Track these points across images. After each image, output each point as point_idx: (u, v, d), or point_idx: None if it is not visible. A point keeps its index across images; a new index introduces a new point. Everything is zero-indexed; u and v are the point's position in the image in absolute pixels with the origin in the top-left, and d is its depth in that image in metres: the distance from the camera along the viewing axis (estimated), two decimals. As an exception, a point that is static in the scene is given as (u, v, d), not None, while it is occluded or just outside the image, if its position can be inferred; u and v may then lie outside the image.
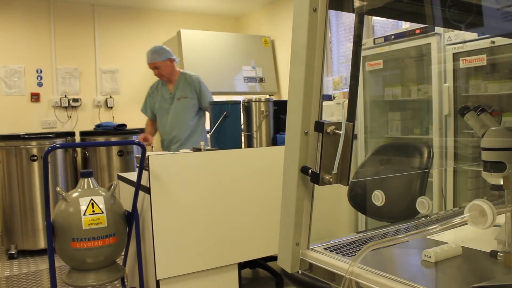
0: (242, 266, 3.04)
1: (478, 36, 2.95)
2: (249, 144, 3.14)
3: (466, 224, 0.94)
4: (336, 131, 0.94)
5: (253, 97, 3.21)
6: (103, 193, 2.66)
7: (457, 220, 0.81)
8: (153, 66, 3.83)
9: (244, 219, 2.84)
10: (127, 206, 2.78)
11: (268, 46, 5.92)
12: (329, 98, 4.47)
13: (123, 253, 2.86)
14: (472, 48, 3.01)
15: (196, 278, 2.72)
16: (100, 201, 2.59)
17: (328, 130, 0.95)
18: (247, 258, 2.92)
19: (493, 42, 2.86)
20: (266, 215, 2.89)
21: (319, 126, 0.96)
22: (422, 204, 1.25)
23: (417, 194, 2.13)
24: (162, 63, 3.84)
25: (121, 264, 2.88)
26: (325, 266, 1.03)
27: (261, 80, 5.74)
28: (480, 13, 1.38)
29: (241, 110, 3.10)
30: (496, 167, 1.24)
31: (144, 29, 6.00)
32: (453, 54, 3.14)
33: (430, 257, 1.04)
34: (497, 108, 3.07)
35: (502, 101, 3.12)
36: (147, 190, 2.61)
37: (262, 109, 3.06)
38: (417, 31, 3.34)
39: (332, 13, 5.08)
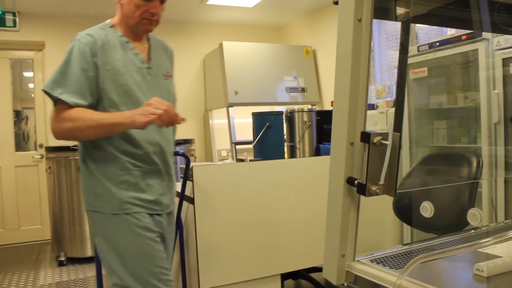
0: (284, 277, 3.03)
1: (530, 40, 2.84)
2: (292, 155, 3.13)
3: (521, 237, 0.90)
4: (383, 141, 0.93)
5: (296, 107, 3.18)
6: (149, 203, 2.71)
7: (512, 233, 0.78)
8: None
9: (287, 230, 2.83)
10: (172, 215, 2.82)
11: (309, 56, 5.91)
12: (372, 107, 4.41)
13: (167, 262, 2.90)
14: (523, 53, 2.91)
15: (239, 288, 2.73)
16: (145, 210, 2.64)
17: (375, 141, 0.94)
18: (290, 269, 2.90)
19: (545, 46, 2.75)
20: (309, 225, 2.87)
21: (366, 136, 0.95)
22: (474, 216, 1.21)
23: (466, 205, 2.07)
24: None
25: (165, 273, 2.92)
26: (371, 278, 1.01)
27: (303, 90, 5.73)
28: (532, 17, 1.34)
29: (284, 120, 3.10)
30: (552, 177, 1.18)
31: (186, 42, 6.12)
32: (503, 59, 3.04)
33: (482, 271, 1.00)
34: (551, 115, 2.94)
35: (556, 108, 2.99)
36: (191, 201, 2.64)
37: (305, 119, 3.05)
38: (464, 37, 3.26)
39: (374, 21, 5.02)
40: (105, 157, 1.75)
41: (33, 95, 5.66)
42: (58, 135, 1.69)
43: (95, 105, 1.72)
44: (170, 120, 1.62)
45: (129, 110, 1.70)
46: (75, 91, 1.66)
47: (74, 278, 4.07)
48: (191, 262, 2.77)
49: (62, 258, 4.52)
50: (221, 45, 5.40)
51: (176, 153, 3.19)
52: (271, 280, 2.83)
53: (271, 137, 2.97)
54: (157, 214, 1.83)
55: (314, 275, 3.40)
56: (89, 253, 4.53)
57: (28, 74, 5.72)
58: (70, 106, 1.65)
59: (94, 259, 3.47)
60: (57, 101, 1.67)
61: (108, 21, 1.87)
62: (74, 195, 4.55)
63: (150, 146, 1.79)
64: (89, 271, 4.26)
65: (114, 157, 1.75)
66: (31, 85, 5.70)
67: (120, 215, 1.73)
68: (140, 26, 1.83)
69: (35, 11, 5.37)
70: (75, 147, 4.59)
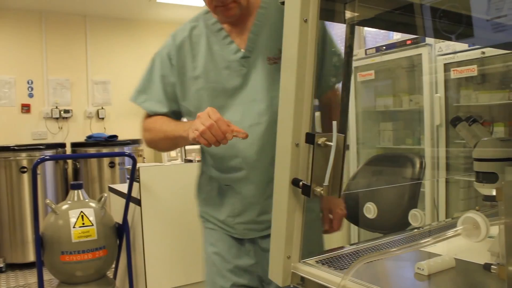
0: (234, 278, 3.01)
1: (469, 46, 2.97)
2: (241, 155, 3.12)
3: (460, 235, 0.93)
4: (327, 142, 0.93)
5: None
6: (93, 205, 2.63)
7: (451, 233, 0.80)
8: None
9: (236, 231, 2.82)
10: (118, 218, 2.75)
11: (260, 57, 5.92)
12: (321, 108, 4.47)
13: (113, 266, 2.82)
14: (462, 58, 3.03)
15: (187, 291, 2.69)
16: (90, 213, 2.56)
17: (319, 142, 0.94)
18: (239, 270, 2.89)
19: (483, 52, 2.88)
20: (258, 226, 2.87)
21: (310, 137, 0.95)
22: (414, 217, 1.25)
23: (410, 205, 2.13)
24: None
25: (111, 277, 2.84)
26: (317, 280, 1.01)
27: (253, 90, 5.74)
28: (471, 24, 1.39)
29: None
30: (488, 177, 1.23)
31: (136, 40, 5.99)
32: (444, 64, 3.16)
33: (423, 269, 1.03)
34: (488, 118, 3.09)
35: (492, 111, 3.13)
36: (138, 202, 2.58)
37: (254, 120, 3.05)
38: (408, 42, 3.36)
39: (325, 23, 5.11)
40: (202, 162, 1.65)
41: (-30, 92, 5.37)
42: (146, 145, 1.64)
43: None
44: (215, 139, 1.26)
45: None
46: (156, 99, 1.56)
47: (14, 285, 3.89)
48: (138, 265, 2.71)
49: (1, 265, 4.31)
50: (171, 44, 5.32)
51: (122, 154, 3.12)
52: (220, 282, 2.81)
53: (220, 138, 2.95)
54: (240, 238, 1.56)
55: (263, 276, 3.41)
56: (31, 258, 4.34)
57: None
58: (151, 115, 1.58)
59: (35, 265, 3.35)
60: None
61: None
62: (14, 197, 4.36)
63: (224, 152, 1.45)
64: (31, 277, 4.08)
65: (205, 164, 1.62)
66: (-32, 82, 5.42)
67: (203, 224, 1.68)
68: (218, 15, 1.48)
69: (-27, 4, 5.10)
70: (16, 147, 4.40)
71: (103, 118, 5.77)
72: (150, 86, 1.58)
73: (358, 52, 3.81)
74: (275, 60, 1.45)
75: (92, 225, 2.53)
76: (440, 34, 1.49)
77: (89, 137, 5.26)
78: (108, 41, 5.83)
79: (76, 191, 2.66)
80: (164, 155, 5.65)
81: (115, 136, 5.20)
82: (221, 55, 1.48)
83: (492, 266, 0.93)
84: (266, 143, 1.42)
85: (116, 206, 3.09)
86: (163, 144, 1.59)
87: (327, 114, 1.68)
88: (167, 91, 1.54)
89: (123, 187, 2.99)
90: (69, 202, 2.62)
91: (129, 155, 2.64)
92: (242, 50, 1.47)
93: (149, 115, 1.59)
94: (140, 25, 6.04)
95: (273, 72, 1.44)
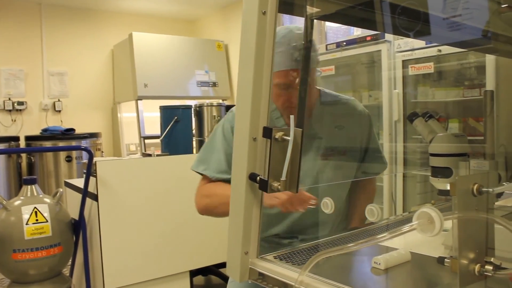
0: (194, 273, 2.99)
1: (426, 44, 3.03)
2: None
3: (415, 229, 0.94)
4: (285, 137, 0.92)
5: (206, 101, 3.13)
6: (48, 201, 2.54)
7: (406, 228, 0.81)
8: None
9: (196, 226, 2.79)
10: (75, 214, 2.67)
11: (221, 50, 5.89)
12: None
13: (69, 263, 2.75)
14: (420, 55, 3.09)
15: (146, 287, 2.65)
16: (44, 209, 2.48)
17: (277, 136, 0.93)
18: (199, 265, 2.87)
19: (439, 50, 2.94)
20: (217, 221, 2.84)
21: (267, 132, 0.94)
22: (371, 212, 1.26)
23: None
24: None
25: (67, 274, 2.77)
26: (274, 275, 1.01)
27: (214, 84, 5.70)
28: (428, 22, 1.41)
29: (193, 114, 3.05)
30: (443, 172, 1.26)
31: (94, 31, 5.84)
32: (403, 61, 3.21)
33: (379, 264, 1.04)
34: (444, 115, 3.17)
35: (448, 107, 3.21)
36: (95, 197, 2.52)
37: (214, 113, 3.02)
38: (368, 38, 3.40)
39: (286, 18, 5.12)
40: None
41: None
42: (199, 211, 1.69)
43: None
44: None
45: None
46: (215, 169, 1.61)
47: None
48: (95, 262, 2.64)
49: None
50: (130, 36, 5.21)
51: (79, 148, 3.03)
52: (179, 277, 2.79)
53: (179, 132, 2.91)
54: None
55: (223, 270, 3.40)
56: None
57: None
58: (212, 180, 1.61)
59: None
60: (201, 175, 1.66)
61: None
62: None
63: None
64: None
65: None
66: None
67: None
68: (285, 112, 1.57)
69: None
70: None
71: (59, 111, 5.60)
72: (210, 157, 1.65)
73: (319, 47, 3.83)
74: (325, 157, 1.61)
75: (47, 221, 2.45)
76: (399, 31, 1.51)
77: (45, 130, 5.08)
78: (65, 31, 5.65)
79: (29, 186, 2.57)
80: (123, 149, 5.54)
81: (72, 129, 5.06)
82: None
83: (445, 260, 0.94)
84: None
85: (72, 202, 3.01)
86: (222, 208, 1.56)
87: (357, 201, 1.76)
88: (229, 161, 1.55)
89: (80, 182, 2.91)
90: (21, 198, 2.53)
91: (85, 149, 2.57)
92: None
93: (205, 182, 1.65)
94: (98, 15, 5.88)
95: (322, 166, 1.60)
